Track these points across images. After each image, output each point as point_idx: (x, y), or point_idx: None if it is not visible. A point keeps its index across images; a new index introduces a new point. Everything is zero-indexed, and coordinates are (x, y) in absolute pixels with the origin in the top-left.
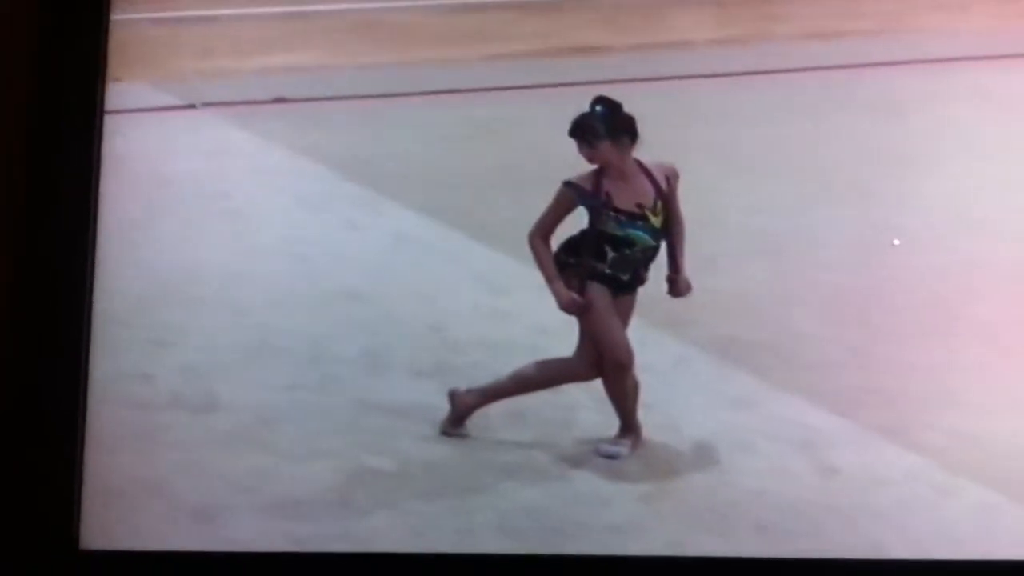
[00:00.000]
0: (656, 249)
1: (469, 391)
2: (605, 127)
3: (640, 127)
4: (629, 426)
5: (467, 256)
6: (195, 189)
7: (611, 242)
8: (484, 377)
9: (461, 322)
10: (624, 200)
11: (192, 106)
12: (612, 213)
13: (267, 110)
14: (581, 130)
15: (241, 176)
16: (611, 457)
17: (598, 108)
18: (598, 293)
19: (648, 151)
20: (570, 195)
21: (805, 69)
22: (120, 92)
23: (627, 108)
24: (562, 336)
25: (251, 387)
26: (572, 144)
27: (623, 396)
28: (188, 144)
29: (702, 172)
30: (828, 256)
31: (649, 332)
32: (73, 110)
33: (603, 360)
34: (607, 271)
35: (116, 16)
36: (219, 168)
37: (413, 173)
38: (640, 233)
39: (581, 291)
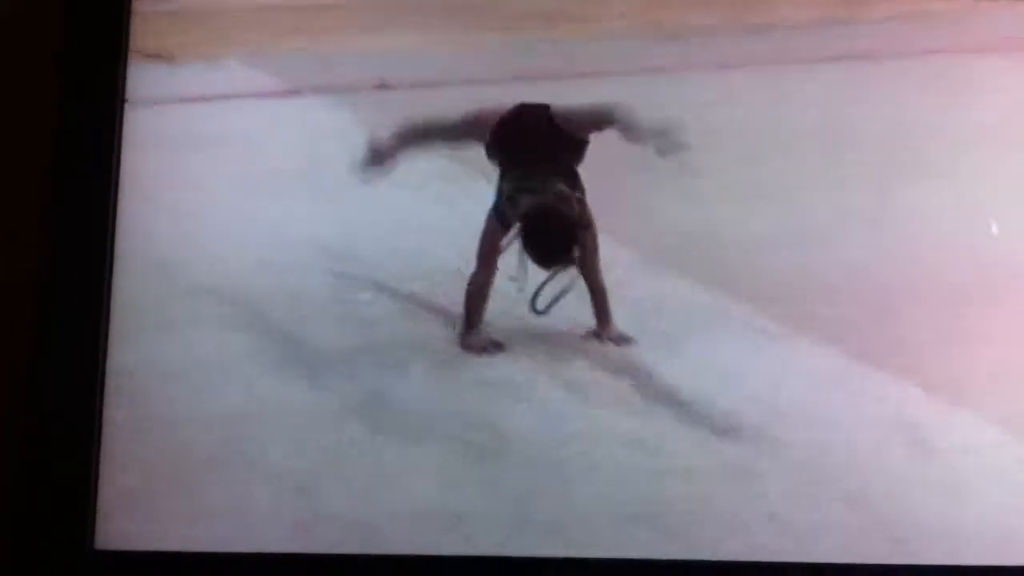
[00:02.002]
0: None
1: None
2: None
3: (733, 111)
4: None
5: None
6: (294, 171)
7: None
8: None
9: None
10: None
11: (297, 92)
12: None
13: (368, 94)
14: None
15: (339, 159)
16: None
17: None
18: None
19: (741, 134)
20: None
21: (891, 52)
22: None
23: (720, 93)
24: None
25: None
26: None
27: None
28: (285, 126)
29: (795, 152)
30: (923, 236)
31: (734, 306)
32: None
33: None
34: None
35: None
36: (318, 151)
37: None
38: None
39: None
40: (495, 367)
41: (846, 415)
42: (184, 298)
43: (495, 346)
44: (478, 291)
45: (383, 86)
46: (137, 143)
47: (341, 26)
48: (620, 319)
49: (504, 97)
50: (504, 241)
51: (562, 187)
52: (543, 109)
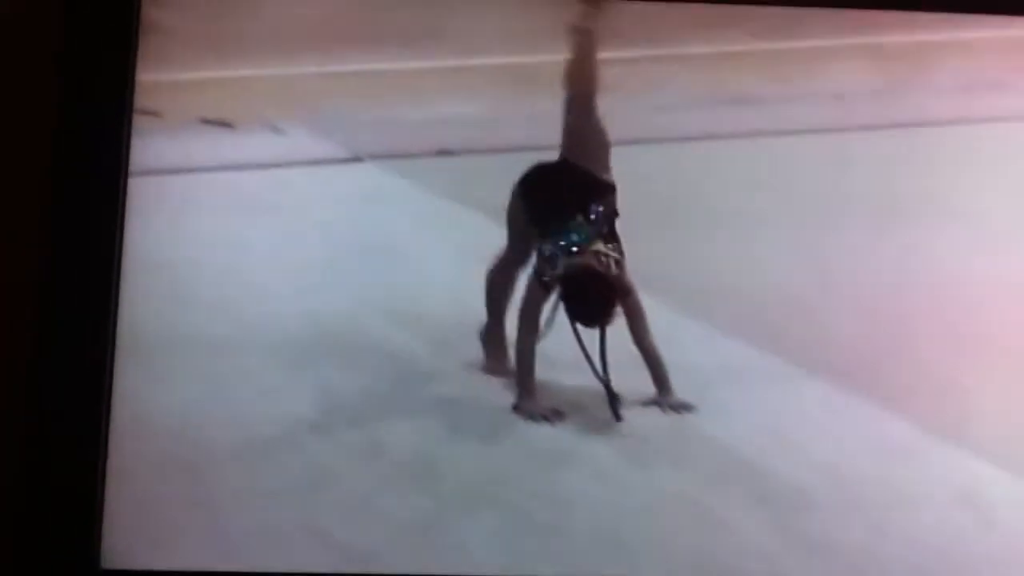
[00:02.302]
0: None
1: None
2: None
3: (795, 176)
4: None
5: None
6: (355, 237)
7: None
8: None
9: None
10: None
11: (358, 159)
12: None
13: (429, 160)
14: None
15: (402, 225)
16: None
17: None
18: None
19: (804, 201)
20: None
21: (955, 121)
22: (286, 141)
23: (784, 158)
24: None
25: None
26: (732, 191)
27: None
28: (348, 192)
29: (858, 220)
30: (988, 306)
31: (795, 372)
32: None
33: None
34: None
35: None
36: (380, 217)
37: None
38: None
39: None
40: (557, 437)
41: (913, 486)
42: (232, 349)
43: (555, 414)
44: (526, 354)
45: (444, 152)
46: (196, 208)
47: (401, 92)
48: (679, 385)
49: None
50: (547, 304)
51: (600, 247)
52: (560, 162)
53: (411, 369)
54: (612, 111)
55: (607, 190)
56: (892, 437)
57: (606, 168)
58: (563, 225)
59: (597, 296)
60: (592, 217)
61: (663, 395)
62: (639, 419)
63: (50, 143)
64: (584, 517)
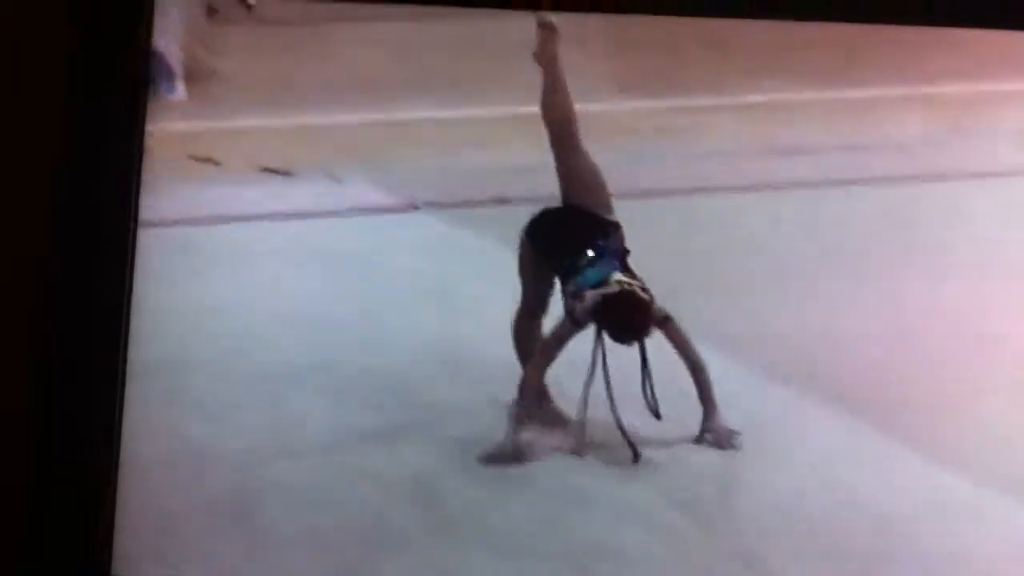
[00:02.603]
0: None
1: None
2: None
3: (851, 227)
4: None
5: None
6: (414, 285)
7: None
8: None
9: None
10: None
11: (415, 207)
12: None
13: (486, 208)
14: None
15: (458, 272)
16: None
17: None
18: None
19: (862, 252)
20: None
21: (1014, 172)
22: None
23: (838, 209)
24: None
25: None
26: (794, 243)
27: None
28: (404, 239)
29: (916, 272)
30: None
31: (850, 421)
32: None
33: None
34: None
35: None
36: (436, 264)
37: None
38: None
39: None
40: (605, 486)
41: (971, 542)
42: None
43: (521, 455)
44: (532, 383)
45: (500, 200)
46: (252, 255)
47: (458, 141)
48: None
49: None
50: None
51: (621, 277)
52: (562, 207)
53: (467, 420)
54: (665, 159)
55: (611, 227)
56: (948, 489)
57: (607, 207)
58: (575, 264)
59: (632, 309)
60: (601, 253)
61: (710, 417)
62: (689, 459)
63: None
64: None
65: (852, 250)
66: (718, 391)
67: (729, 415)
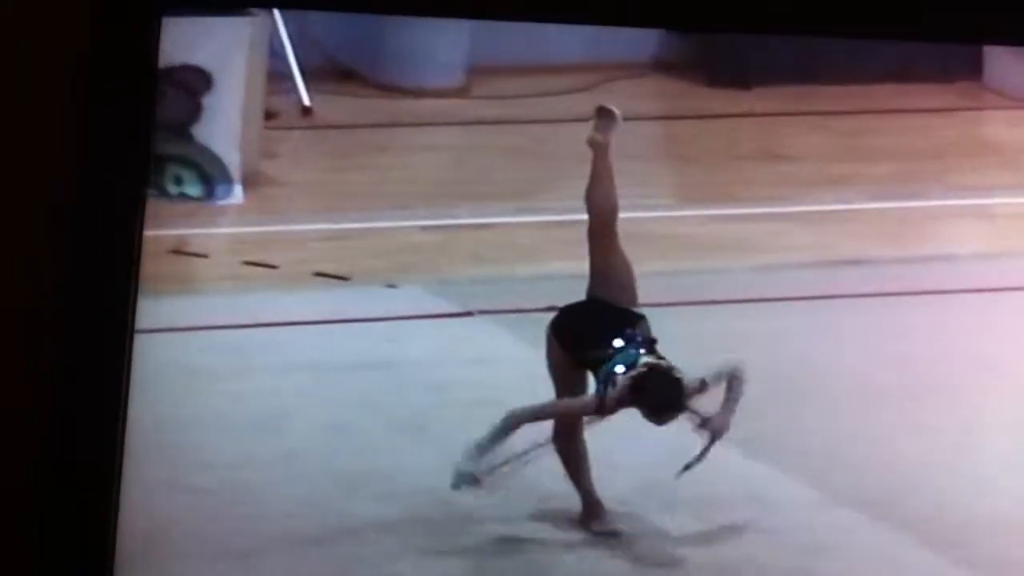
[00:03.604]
0: None
1: None
2: None
3: (902, 338)
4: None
5: (733, 471)
6: (468, 395)
7: None
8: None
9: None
10: None
11: (469, 313)
12: None
13: (538, 316)
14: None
15: (513, 383)
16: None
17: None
18: None
19: (915, 362)
20: None
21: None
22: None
23: (891, 319)
24: None
25: None
26: (840, 354)
27: None
28: (458, 347)
29: (966, 385)
30: None
31: (916, 550)
32: None
33: None
34: None
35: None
36: (492, 375)
37: None
38: None
39: None
40: None
41: None
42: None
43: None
44: (515, 420)
45: (552, 309)
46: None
47: (511, 248)
48: (787, 549)
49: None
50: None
51: (649, 359)
52: (587, 300)
53: (516, 538)
54: (719, 269)
55: (637, 319)
56: None
57: (633, 300)
58: (604, 354)
59: (664, 385)
60: (629, 340)
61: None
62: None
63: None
64: None
65: (915, 366)
66: (761, 504)
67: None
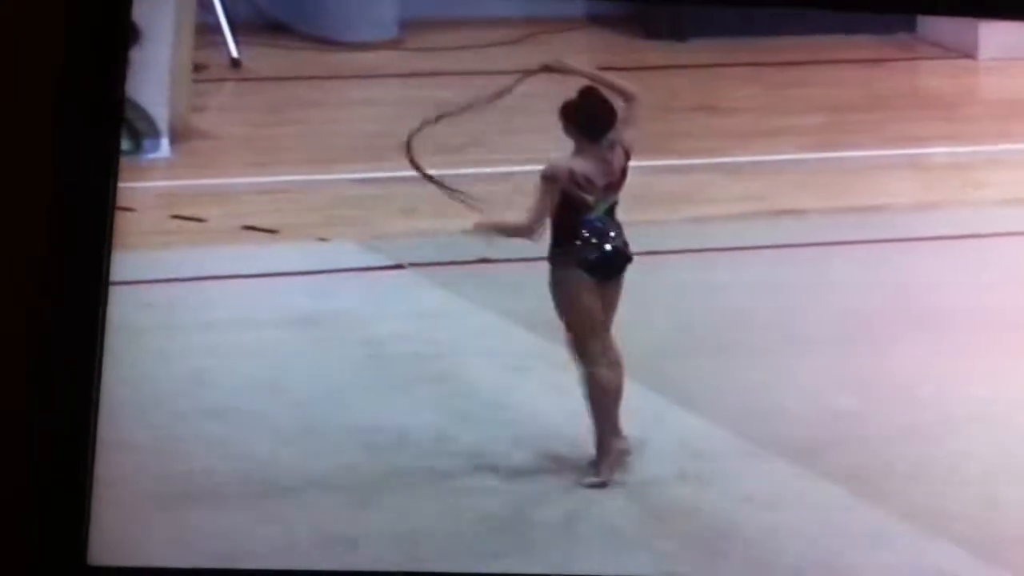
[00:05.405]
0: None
1: None
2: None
3: (838, 288)
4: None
5: (666, 421)
6: (402, 349)
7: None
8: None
9: (662, 487)
10: (599, 178)
11: (401, 267)
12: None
13: (471, 270)
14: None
15: (447, 338)
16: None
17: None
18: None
19: (850, 312)
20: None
21: (999, 234)
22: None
23: (826, 272)
24: None
25: None
26: (775, 305)
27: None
28: (390, 300)
29: (903, 337)
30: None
31: (846, 499)
32: None
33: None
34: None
35: None
36: (425, 329)
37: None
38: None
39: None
40: None
41: None
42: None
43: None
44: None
45: (484, 261)
46: (234, 315)
47: (444, 202)
48: (717, 502)
49: None
50: None
51: None
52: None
53: (451, 482)
54: (660, 222)
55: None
56: (939, 563)
57: None
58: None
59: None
60: None
61: None
62: None
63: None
64: None
65: (842, 314)
66: (691, 454)
67: (717, 483)
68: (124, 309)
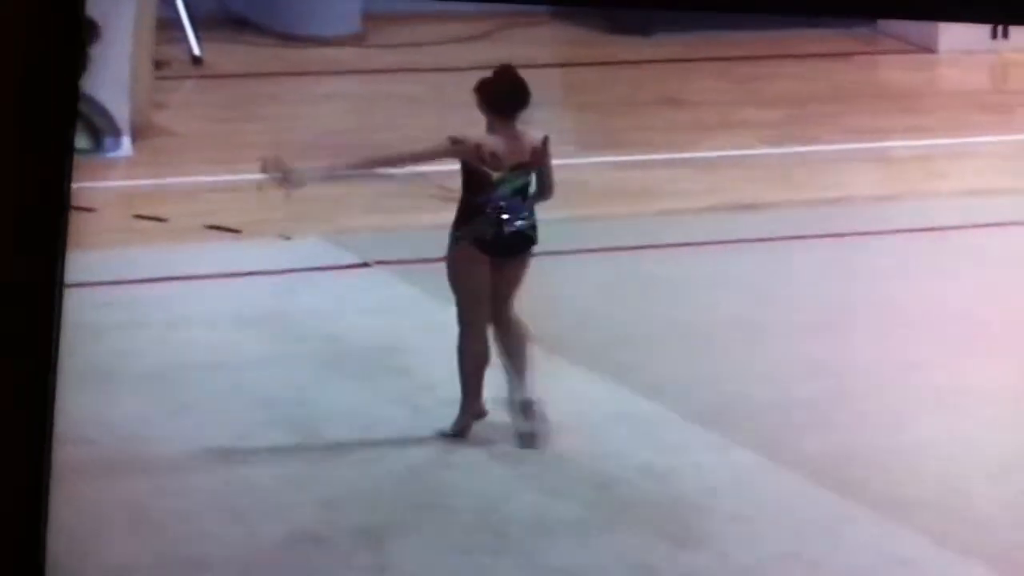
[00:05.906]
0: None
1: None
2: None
3: (801, 281)
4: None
5: (632, 411)
6: (366, 344)
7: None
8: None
9: (629, 480)
10: (508, 156)
11: (366, 264)
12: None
13: (435, 267)
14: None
15: (410, 332)
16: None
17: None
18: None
19: (813, 305)
20: (451, 148)
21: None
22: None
23: (791, 263)
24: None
25: None
26: (738, 298)
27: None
28: (359, 301)
29: (862, 326)
30: (996, 413)
31: (809, 489)
32: None
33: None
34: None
35: None
36: (390, 325)
37: (582, 328)
38: (516, 182)
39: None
40: None
41: None
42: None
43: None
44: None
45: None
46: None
47: (407, 202)
48: (689, 491)
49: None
50: None
51: None
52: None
53: (414, 475)
54: (620, 214)
55: None
56: (902, 551)
57: None
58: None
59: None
60: None
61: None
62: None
63: None
64: None
65: (806, 308)
66: (657, 446)
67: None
68: (84, 309)
